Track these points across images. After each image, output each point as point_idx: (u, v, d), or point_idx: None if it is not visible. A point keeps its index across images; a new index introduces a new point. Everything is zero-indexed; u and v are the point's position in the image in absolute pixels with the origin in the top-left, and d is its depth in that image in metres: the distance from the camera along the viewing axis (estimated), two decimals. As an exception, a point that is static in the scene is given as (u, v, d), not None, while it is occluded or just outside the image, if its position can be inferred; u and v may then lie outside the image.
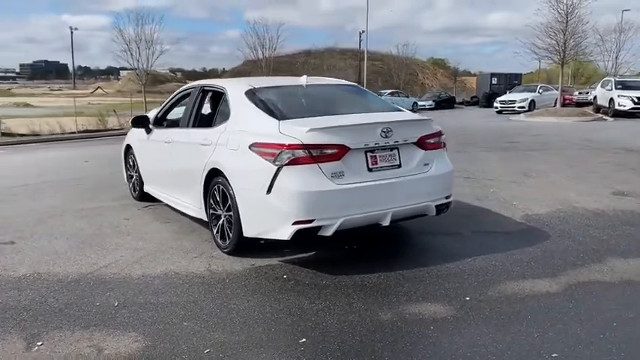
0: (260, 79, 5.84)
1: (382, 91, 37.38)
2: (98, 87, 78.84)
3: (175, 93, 6.43)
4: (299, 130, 4.18)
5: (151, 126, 6.45)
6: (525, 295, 3.88)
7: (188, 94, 6.04)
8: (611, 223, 5.69)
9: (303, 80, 5.33)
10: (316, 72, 51.46)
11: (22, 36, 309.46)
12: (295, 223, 4.10)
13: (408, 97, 41.55)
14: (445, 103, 41.65)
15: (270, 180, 4.14)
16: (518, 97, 30.16)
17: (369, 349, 3.12)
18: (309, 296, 3.91)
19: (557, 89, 29.75)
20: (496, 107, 30.90)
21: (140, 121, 6.52)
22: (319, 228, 4.17)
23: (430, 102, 40.95)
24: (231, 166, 4.58)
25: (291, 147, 4.10)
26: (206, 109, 5.84)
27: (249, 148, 4.37)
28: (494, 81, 43.17)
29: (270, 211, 4.22)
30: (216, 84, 5.56)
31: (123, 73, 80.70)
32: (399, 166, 4.51)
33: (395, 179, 4.44)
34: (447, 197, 4.83)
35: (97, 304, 3.85)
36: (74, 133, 21.29)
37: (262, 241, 4.59)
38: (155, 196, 6.55)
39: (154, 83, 51.82)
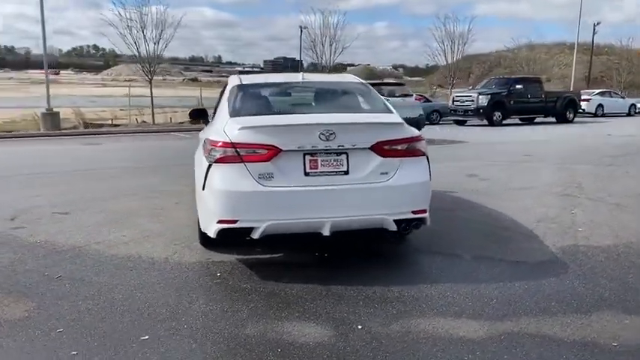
0: (260, 76, 5.80)
1: (591, 90, 32.65)
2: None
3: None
4: (233, 129, 4.09)
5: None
6: (437, 339, 3.27)
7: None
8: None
9: (299, 77, 5.16)
10: (512, 69, 47.97)
11: (267, 35, 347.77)
12: (219, 222, 4.03)
13: (624, 97, 36.02)
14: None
15: (204, 176, 4.14)
16: None
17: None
18: (228, 299, 3.79)
19: None
20: None
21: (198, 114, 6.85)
22: (249, 230, 4.04)
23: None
24: (195, 161, 4.71)
25: (220, 145, 4.04)
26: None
27: (203, 143, 4.44)
28: None
29: (206, 207, 4.21)
30: (228, 79, 5.67)
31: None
32: (346, 172, 4.11)
33: (336, 186, 4.06)
34: (414, 212, 4.25)
35: (45, 274, 4.28)
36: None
37: (247, 238, 4.51)
38: None
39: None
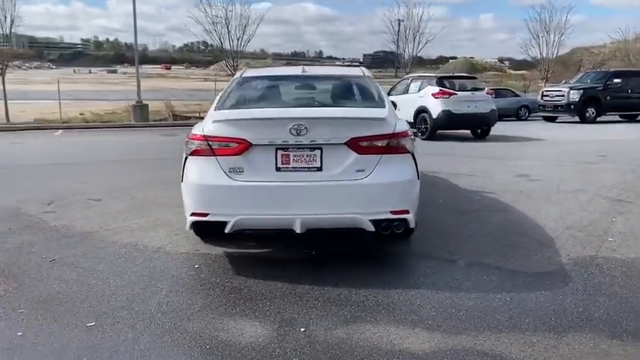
0: (264, 69, 5.73)
1: None
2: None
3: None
4: (208, 122, 4.09)
5: None
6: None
7: None
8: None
9: (299, 71, 5.07)
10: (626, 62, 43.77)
11: (367, 29, 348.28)
12: (192, 214, 4.05)
13: None
14: None
15: (182, 168, 4.18)
16: None
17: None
18: (189, 292, 3.82)
19: None
20: None
21: None
22: (221, 223, 4.02)
23: None
24: None
25: (195, 138, 4.05)
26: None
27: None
28: None
29: (183, 199, 4.26)
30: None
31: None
32: (319, 169, 3.96)
33: (308, 183, 3.92)
34: (393, 212, 4.01)
35: (43, 257, 4.54)
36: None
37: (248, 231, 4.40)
38: None
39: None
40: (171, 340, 3.12)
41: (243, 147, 3.92)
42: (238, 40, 24.04)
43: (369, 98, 4.62)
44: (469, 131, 14.92)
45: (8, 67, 21.37)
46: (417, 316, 3.42)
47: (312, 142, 3.91)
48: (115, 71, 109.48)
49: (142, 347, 3.03)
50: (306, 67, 5.22)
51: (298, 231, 3.97)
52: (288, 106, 4.54)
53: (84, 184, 7.70)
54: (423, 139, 14.08)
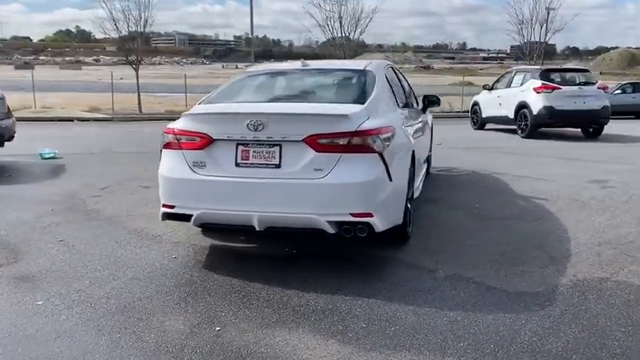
0: (271, 64, 5.63)
1: None
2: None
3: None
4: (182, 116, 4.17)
5: None
6: None
7: None
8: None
9: (298, 64, 4.96)
10: None
11: (516, 18, 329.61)
12: (163, 205, 4.17)
13: None
14: None
15: (159, 160, 4.31)
16: None
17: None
18: (142, 282, 3.87)
19: None
20: None
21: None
22: (187, 216, 4.09)
23: None
24: None
25: (168, 131, 4.16)
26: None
27: None
28: None
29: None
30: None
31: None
32: (278, 166, 3.84)
33: (265, 180, 3.83)
34: (354, 215, 3.77)
35: (56, 236, 4.94)
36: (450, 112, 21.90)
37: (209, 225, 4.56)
38: None
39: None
40: (93, 326, 3.23)
41: (206, 141, 3.95)
42: (349, 34, 24.10)
43: (351, 94, 4.41)
44: (579, 130, 13.55)
45: (142, 63, 23.55)
46: (343, 326, 3.20)
47: (269, 139, 3.83)
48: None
49: (61, 329, 3.19)
50: (308, 62, 5.11)
51: (258, 229, 3.91)
52: (261, 102, 4.48)
53: (145, 171, 8.23)
54: (523, 137, 13.06)
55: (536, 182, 7.31)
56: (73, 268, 4.18)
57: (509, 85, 14.43)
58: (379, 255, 4.41)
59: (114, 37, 23.66)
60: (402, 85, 5.79)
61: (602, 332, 3.11)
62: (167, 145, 4.14)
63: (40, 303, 3.55)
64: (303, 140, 3.78)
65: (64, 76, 36.18)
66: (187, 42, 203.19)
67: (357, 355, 2.88)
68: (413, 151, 4.76)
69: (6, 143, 8.75)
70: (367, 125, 3.84)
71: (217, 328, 3.20)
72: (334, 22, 23.86)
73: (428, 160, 7.32)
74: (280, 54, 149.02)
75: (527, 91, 13.26)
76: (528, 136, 12.99)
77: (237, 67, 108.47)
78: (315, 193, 3.78)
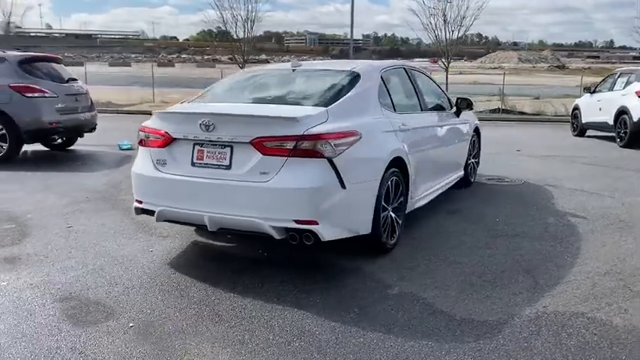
0: (266, 66, 5.52)
1: None
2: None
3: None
4: None
5: None
6: None
7: None
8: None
9: (288, 66, 4.89)
10: None
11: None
12: (135, 200, 4.33)
13: None
14: None
15: None
16: None
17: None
18: (113, 273, 4.05)
19: None
20: None
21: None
22: (152, 212, 4.20)
23: None
24: None
25: (141, 129, 4.30)
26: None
27: None
28: None
29: None
30: None
31: None
32: (229, 167, 3.81)
33: (215, 180, 3.82)
34: (298, 222, 3.63)
35: (68, 222, 5.36)
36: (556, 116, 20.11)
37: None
38: None
39: None
40: (30, 317, 3.45)
41: (167, 140, 4.04)
42: (452, 32, 23.17)
43: (322, 96, 4.25)
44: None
45: (247, 62, 24.57)
46: (250, 336, 3.11)
47: (219, 140, 3.83)
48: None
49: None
50: (300, 62, 5.03)
51: (211, 229, 3.93)
52: (217, 102, 4.50)
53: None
54: (621, 147, 11.70)
55: (590, 197, 6.54)
56: (59, 254, 4.46)
57: (611, 88, 12.99)
58: (344, 265, 4.21)
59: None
60: (416, 89, 5.46)
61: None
62: (140, 143, 4.29)
63: (4, 284, 3.84)
64: (250, 142, 3.72)
65: (197, 74, 39.40)
66: (317, 41, 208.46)
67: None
68: (402, 158, 4.47)
69: (99, 134, 10.14)
70: (318, 129, 3.68)
71: (131, 324, 3.25)
72: (436, 19, 23.06)
73: (467, 168, 6.84)
74: (409, 52, 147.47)
75: (628, 94, 11.84)
76: (627, 146, 11.61)
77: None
78: (259, 196, 3.70)
